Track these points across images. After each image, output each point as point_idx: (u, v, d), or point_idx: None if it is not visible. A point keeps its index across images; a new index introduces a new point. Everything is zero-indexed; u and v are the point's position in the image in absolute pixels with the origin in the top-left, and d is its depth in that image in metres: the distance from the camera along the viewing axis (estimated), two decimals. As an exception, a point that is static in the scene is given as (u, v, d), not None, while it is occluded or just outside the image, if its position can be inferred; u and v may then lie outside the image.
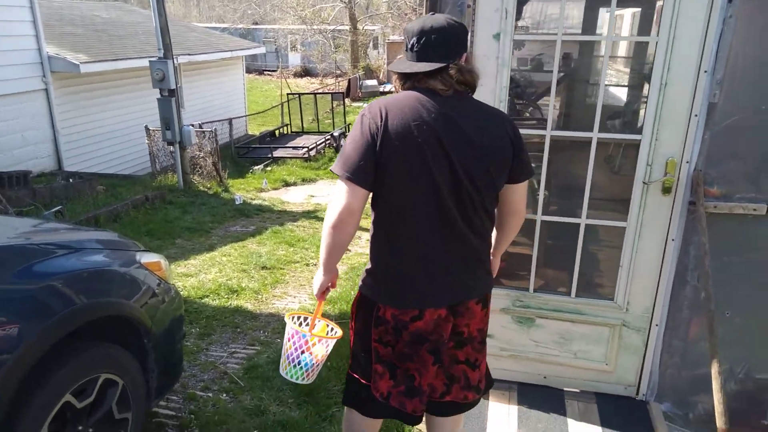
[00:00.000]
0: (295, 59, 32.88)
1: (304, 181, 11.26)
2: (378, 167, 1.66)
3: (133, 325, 2.53)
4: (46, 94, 9.72)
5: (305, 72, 31.47)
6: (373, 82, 24.42)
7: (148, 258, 2.75)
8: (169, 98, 8.62)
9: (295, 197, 10.03)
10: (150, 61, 8.62)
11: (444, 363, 1.88)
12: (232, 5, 37.01)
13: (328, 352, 1.92)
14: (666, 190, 2.47)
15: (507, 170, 1.75)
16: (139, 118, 11.22)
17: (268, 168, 12.07)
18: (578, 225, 2.62)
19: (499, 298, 2.80)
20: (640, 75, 2.70)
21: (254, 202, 9.25)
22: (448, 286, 1.78)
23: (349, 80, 23.83)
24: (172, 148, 9.33)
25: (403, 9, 30.60)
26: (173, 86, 8.59)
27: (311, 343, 1.87)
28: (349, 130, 15.16)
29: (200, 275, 5.45)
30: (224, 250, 6.33)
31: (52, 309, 2.02)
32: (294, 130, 15.47)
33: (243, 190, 10.23)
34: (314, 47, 29.74)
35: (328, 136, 13.70)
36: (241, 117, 15.65)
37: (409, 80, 1.75)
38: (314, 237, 7.01)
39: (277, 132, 15.03)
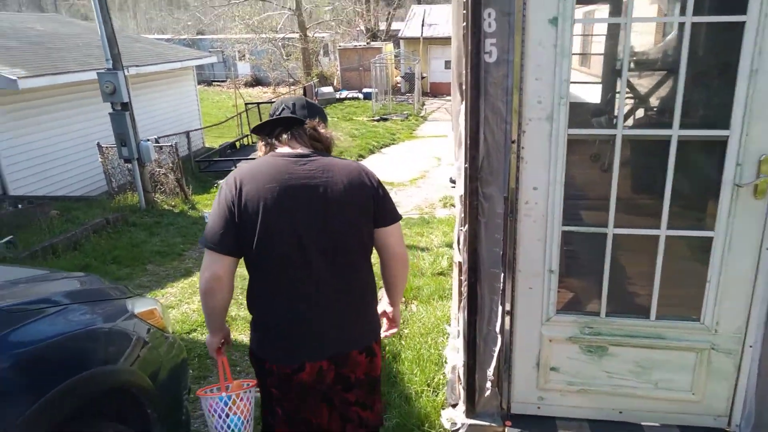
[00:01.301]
0: (244, 69, 32.00)
1: (273, 194, 10.69)
2: (240, 233, 1.75)
3: (132, 394, 2.03)
4: (-17, 114, 8.84)
5: (256, 81, 30.66)
6: (328, 89, 23.92)
7: (141, 306, 2.24)
8: (123, 112, 7.92)
9: (266, 212, 9.45)
10: (98, 73, 7.89)
11: (335, 405, 1.97)
12: (172, 16, 35.74)
13: (252, 403, 1.99)
14: (761, 193, 2.15)
15: (370, 219, 1.85)
16: (88, 135, 10.39)
17: (232, 182, 11.41)
18: (656, 238, 2.27)
19: (564, 325, 2.43)
20: (716, 61, 2.37)
21: (223, 220, 8.63)
22: (322, 341, 1.85)
23: (304, 88, 23.24)
24: (129, 165, 8.61)
25: (350, 15, 30.39)
26: (126, 99, 7.89)
27: (231, 402, 1.91)
28: (312, 139, 14.75)
29: (182, 306, 4.87)
30: (202, 277, 5.75)
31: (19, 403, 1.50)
32: (254, 140, 14.81)
33: (210, 206, 9.58)
34: (264, 56, 28.99)
35: (292, 146, 13.15)
36: (199, 130, 14.89)
37: (268, 144, 1.90)
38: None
39: (237, 143, 14.35)
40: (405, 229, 7.83)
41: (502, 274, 2.26)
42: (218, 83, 30.58)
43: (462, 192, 2.23)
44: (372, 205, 1.85)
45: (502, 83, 2.02)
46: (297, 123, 1.92)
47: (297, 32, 27.39)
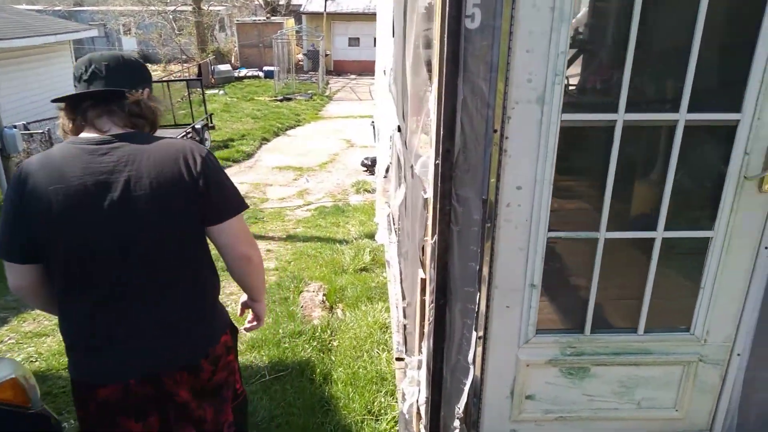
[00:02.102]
0: (130, 44, 29.46)
1: (169, 183, 9.66)
2: (33, 239, 1.51)
3: None
4: None
5: (145, 58, 28.16)
6: (226, 67, 22.46)
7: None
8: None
9: (162, 204, 8.49)
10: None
11: (168, 421, 1.68)
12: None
13: None
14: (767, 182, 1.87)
15: (192, 214, 1.56)
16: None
17: (122, 171, 10.22)
18: (650, 241, 1.94)
19: (544, 347, 2.05)
20: (730, 36, 2.04)
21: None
22: (130, 359, 1.59)
23: (200, 65, 21.66)
24: (-8, 156, 7.32)
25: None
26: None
27: None
28: (212, 121, 13.62)
29: (58, 333, 4.05)
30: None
31: None
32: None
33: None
34: (153, 30, 26.74)
35: (189, 129, 12.04)
36: (77, 112, 13.28)
37: (73, 122, 1.57)
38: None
39: (125, 127, 12.94)
40: (319, 219, 7.28)
41: (478, 294, 1.83)
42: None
43: (430, 195, 1.75)
44: (194, 199, 1.53)
45: (485, 56, 1.56)
46: (114, 96, 1.55)
47: (190, 4, 25.46)
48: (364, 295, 4.37)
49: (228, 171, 10.72)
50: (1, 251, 1.52)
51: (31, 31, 11.99)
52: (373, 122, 8.68)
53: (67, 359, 1.64)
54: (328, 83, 21.45)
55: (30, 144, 8.24)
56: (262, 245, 6.24)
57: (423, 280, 1.94)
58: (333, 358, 3.51)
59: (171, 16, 26.06)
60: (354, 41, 25.14)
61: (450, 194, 1.70)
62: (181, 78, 18.02)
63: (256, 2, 30.99)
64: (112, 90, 1.54)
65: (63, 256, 1.50)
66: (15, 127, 8.17)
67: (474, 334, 1.87)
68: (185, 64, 23.61)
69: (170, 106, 14.13)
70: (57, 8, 27.89)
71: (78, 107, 1.55)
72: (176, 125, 13.28)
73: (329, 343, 3.70)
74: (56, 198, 1.46)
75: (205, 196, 1.55)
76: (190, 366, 1.65)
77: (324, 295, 4.44)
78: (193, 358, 1.65)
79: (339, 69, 24.65)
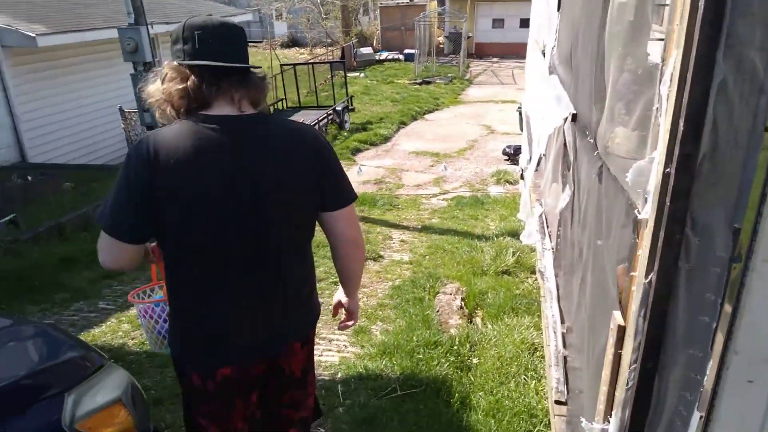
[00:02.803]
0: (281, 29, 30.92)
1: (308, 164, 9.76)
2: (156, 216, 1.45)
3: None
4: (-1, 74, 8.13)
5: (293, 42, 29.58)
6: (368, 50, 22.64)
7: (93, 400, 1.35)
8: (146, 73, 7.04)
9: (301, 185, 8.56)
10: (119, 29, 7.01)
11: (267, 406, 1.80)
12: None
13: None
14: None
15: (312, 198, 1.62)
16: (114, 98, 9.63)
17: (266, 150, 10.55)
18: None
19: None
20: None
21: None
22: (260, 339, 1.65)
23: (343, 48, 22.05)
24: (152, 133, 7.81)
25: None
26: (149, 58, 7.01)
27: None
28: (352, 103, 13.68)
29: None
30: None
31: None
32: (290, 105, 13.86)
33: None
34: (302, 14, 27.76)
35: (330, 111, 12.16)
36: (230, 93, 14.03)
37: (187, 100, 1.48)
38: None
39: (271, 108, 13.42)
40: (456, 210, 6.83)
41: (709, 361, 1.29)
42: (254, 44, 29.60)
43: (649, 215, 1.24)
44: (315, 183, 1.60)
45: (764, 14, 1.00)
46: (249, 72, 1.55)
47: (336, -11, 26.03)
48: (507, 304, 3.87)
49: (365, 154, 10.67)
50: (115, 229, 1.45)
51: (191, 15, 12.77)
52: (520, 108, 8.00)
53: (178, 343, 1.64)
54: (468, 66, 20.76)
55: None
56: (396, 235, 5.95)
57: (621, 328, 1.43)
58: (472, 379, 3.09)
59: (319, 1, 26.83)
60: (498, 23, 24.07)
61: (683, 217, 1.17)
62: (325, 60, 18.42)
63: (400, -15, 30.96)
64: (254, 66, 1.54)
65: (199, 230, 1.48)
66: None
67: (696, 414, 1.33)
68: (329, 48, 24.20)
69: (314, 88, 14.46)
70: (219, -4, 30.03)
71: (216, 79, 1.48)
72: (319, 106, 13.54)
73: (468, 360, 3.27)
74: (198, 170, 1.43)
75: (327, 183, 1.62)
76: (303, 338, 1.78)
77: (462, 299, 4.02)
78: (305, 332, 1.78)
79: (481, 52, 23.77)
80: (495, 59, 22.91)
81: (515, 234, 5.54)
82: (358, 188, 8.52)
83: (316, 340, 3.71)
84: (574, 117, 2.82)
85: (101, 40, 9.35)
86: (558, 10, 4.60)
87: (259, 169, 1.50)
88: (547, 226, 4.04)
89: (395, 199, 7.39)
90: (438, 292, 4.12)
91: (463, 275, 4.56)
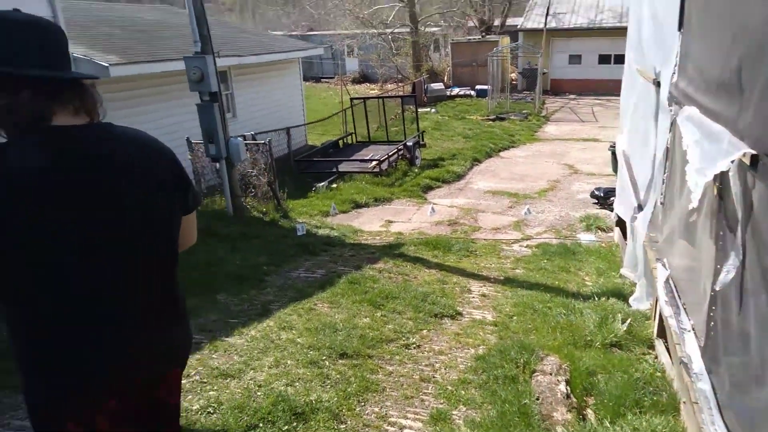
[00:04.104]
0: (352, 65, 31.24)
1: (377, 200, 9.20)
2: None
3: None
4: (71, 103, 8.10)
5: (363, 78, 29.74)
6: (439, 86, 22.23)
7: None
8: (211, 104, 6.76)
9: (369, 224, 8.00)
10: (185, 57, 6.78)
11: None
12: (285, 9, 35.90)
13: None
14: None
15: (177, 208, 1.58)
16: (181, 129, 9.51)
17: (333, 185, 10.11)
18: None
19: None
20: None
21: (320, 231, 7.28)
22: (145, 361, 1.53)
23: (414, 84, 21.76)
24: (218, 165, 7.50)
25: (464, 6, 28.36)
26: (214, 89, 6.72)
27: None
28: (423, 139, 13.12)
29: (247, 373, 3.45)
30: (284, 318, 4.34)
31: None
32: (359, 139, 13.48)
33: (306, 215, 8.30)
34: (373, 51, 27.88)
35: (401, 146, 11.64)
36: (300, 126, 13.83)
37: (11, 116, 1.32)
38: (405, 289, 4.93)
39: (341, 142, 13.07)
40: (543, 260, 6.02)
41: None
42: (326, 80, 29.98)
43: None
44: (174, 191, 1.55)
45: None
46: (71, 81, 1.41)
47: (408, 26, 25.98)
48: (628, 394, 3.03)
49: (436, 192, 10.01)
50: None
51: (264, 49, 12.76)
52: (612, 147, 7.14)
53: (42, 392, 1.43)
54: (544, 103, 19.90)
55: (255, 153, 8.38)
56: (475, 287, 5.21)
57: None
58: None
59: (390, 37, 26.86)
60: (575, 59, 23.17)
61: None
62: (396, 95, 18.10)
63: (471, 24, 30.62)
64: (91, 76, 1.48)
65: (47, 268, 1.34)
66: (244, 137, 8.41)
67: None
68: (400, 83, 23.99)
69: (384, 123, 14.05)
70: (293, 33, 30.79)
71: (57, 90, 1.36)
72: (389, 141, 13.10)
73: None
74: (47, 199, 1.32)
75: (183, 184, 1.59)
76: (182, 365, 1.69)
77: (566, 382, 3.21)
78: (186, 354, 1.69)
79: (556, 88, 22.85)
80: (572, 96, 21.93)
81: (620, 294, 4.67)
82: (430, 229, 7.90)
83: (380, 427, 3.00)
84: (754, 159, 2.04)
85: (170, 72, 9.29)
86: (680, 28, 3.83)
87: (119, 184, 1.46)
88: (679, 297, 3.19)
89: (472, 244, 6.65)
90: (534, 370, 3.33)
91: (563, 346, 3.75)
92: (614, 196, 6.88)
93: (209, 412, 3.08)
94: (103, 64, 7.90)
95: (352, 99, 14.17)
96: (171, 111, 9.83)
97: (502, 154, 13.02)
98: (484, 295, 5.00)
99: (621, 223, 6.01)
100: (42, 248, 1.33)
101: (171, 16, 14.48)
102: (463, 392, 3.25)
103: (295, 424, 2.95)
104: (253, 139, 9.16)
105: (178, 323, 1.62)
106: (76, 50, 8.00)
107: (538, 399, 2.99)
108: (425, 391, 3.33)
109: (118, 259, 1.43)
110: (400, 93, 19.99)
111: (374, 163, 10.56)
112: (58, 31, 1.42)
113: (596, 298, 4.59)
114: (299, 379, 3.39)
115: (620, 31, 20.07)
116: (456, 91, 22.44)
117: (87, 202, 1.37)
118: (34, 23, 1.35)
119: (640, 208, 4.50)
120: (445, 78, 25.26)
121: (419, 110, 15.14)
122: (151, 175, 1.49)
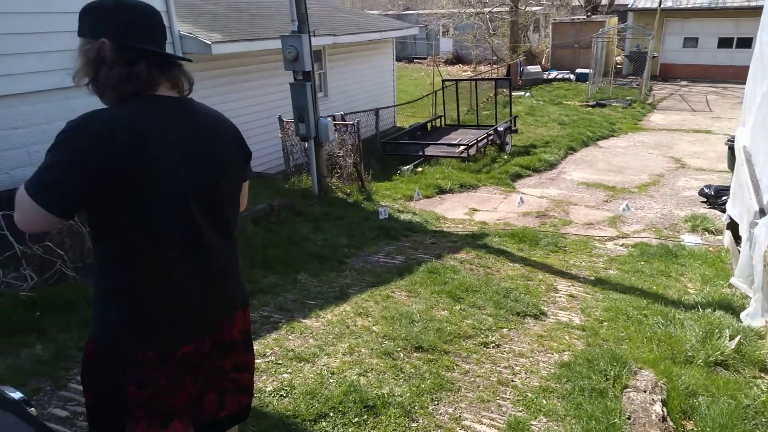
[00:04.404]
0: (446, 45, 30.68)
1: (462, 187, 8.96)
2: (105, 198, 1.43)
3: None
4: (175, 79, 8.48)
5: (457, 59, 29.16)
6: (535, 68, 21.33)
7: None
8: (304, 83, 6.79)
9: (452, 211, 7.80)
10: (282, 36, 6.84)
11: (212, 380, 1.72)
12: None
13: None
14: None
15: (242, 173, 1.76)
16: (277, 107, 9.72)
17: (419, 169, 9.97)
18: None
19: None
20: None
21: (402, 216, 7.18)
22: (213, 313, 1.68)
23: (509, 66, 21.03)
24: (306, 144, 7.57)
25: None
26: (308, 68, 6.74)
27: None
28: (515, 124, 12.63)
29: (321, 358, 3.42)
30: (360, 304, 4.28)
31: None
32: (448, 123, 13.21)
33: (389, 198, 8.23)
34: (468, 31, 27.17)
35: (491, 131, 11.26)
36: (389, 107, 13.74)
37: (129, 83, 1.49)
38: (487, 283, 4.72)
39: (429, 125, 12.87)
40: (640, 261, 5.58)
41: None
42: (419, 60, 29.68)
43: None
44: (243, 161, 1.75)
45: None
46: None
47: (507, 4, 25.05)
48: (735, 423, 2.69)
49: (526, 181, 9.59)
50: (50, 202, 1.39)
51: (360, 28, 12.71)
52: (730, 141, 6.44)
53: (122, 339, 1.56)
54: (651, 89, 18.56)
55: (343, 134, 8.40)
56: (562, 286, 4.90)
57: None
58: None
59: (488, 17, 26.05)
60: (690, 42, 21.37)
61: None
62: (489, 77, 17.57)
63: (575, 2, 29.03)
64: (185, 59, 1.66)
65: (154, 213, 1.48)
66: (333, 117, 8.45)
67: None
68: (494, 65, 23.27)
69: (475, 106, 13.66)
70: (389, 12, 30.65)
71: (165, 65, 1.55)
72: (479, 126, 12.74)
73: None
74: (154, 150, 1.46)
75: (246, 157, 1.78)
76: (245, 300, 1.83)
77: (663, 402, 2.90)
78: (245, 300, 1.83)
79: (666, 73, 21.23)
80: (684, 82, 20.30)
81: (728, 307, 4.20)
82: (517, 220, 7.58)
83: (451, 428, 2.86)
84: None
85: (268, 50, 9.47)
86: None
87: (208, 147, 1.60)
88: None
89: (561, 239, 6.29)
90: (626, 385, 3.04)
91: (659, 360, 3.41)
92: (727, 195, 6.23)
93: (282, 395, 3.08)
94: (206, 41, 8.16)
95: (444, 81, 13.88)
96: (267, 89, 10.05)
97: (600, 143, 12.27)
98: (571, 296, 4.69)
99: (733, 227, 5.43)
100: (159, 189, 1.48)
101: (274, -6, 14.79)
102: (544, 401, 3.03)
103: (365, 417, 2.87)
104: (342, 119, 9.19)
105: (238, 271, 1.81)
106: (182, 28, 8.32)
107: (629, 419, 2.72)
108: (503, 395, 3.14)
109: (211, 214, 1.61)
110: (494, 75, 19.39)
111: (462, 147, 10.29)
112: (160, 15, 1.62)
113: (700, 309, 4.15)
114: (372, 369, 3.31)
115: (748, 12, 18.28)
116: (554, 74, 21.46)
117: (195, 162, 1.54)
118: (144, 8, 1.56)
119: (763, 213, 4.00)
120: (543, 60, 24.19)
121: (513, 93, 14.58)
122: (232, 145, 1.69)
